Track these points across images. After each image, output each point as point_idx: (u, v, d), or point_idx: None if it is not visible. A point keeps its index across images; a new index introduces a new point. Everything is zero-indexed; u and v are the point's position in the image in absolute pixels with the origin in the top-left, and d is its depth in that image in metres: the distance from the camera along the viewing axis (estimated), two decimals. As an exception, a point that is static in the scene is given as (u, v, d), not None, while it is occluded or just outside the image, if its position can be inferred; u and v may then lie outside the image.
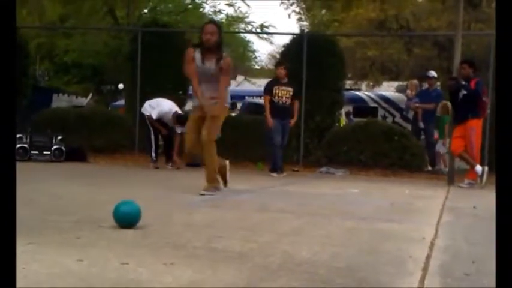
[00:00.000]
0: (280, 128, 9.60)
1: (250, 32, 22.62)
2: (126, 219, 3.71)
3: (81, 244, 3.16)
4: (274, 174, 9.53)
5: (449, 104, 9.47)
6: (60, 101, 18.70)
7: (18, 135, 10.20)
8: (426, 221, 4.92)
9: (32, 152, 10.26)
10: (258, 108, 15.83)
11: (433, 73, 12.27)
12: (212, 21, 6.87)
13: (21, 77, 13.27)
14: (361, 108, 17.50)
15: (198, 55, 6.23)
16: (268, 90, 9.68)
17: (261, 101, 17.48)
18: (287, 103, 9.60)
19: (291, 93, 9.60)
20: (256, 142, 11.63)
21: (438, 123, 11.70)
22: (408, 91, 13.18)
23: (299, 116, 11.07)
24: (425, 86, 12.70)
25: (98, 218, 4.02)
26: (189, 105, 13.66)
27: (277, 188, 7.57)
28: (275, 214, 4.88)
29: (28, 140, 10.28)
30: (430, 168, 11.45)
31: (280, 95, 9.59)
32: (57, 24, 20.51)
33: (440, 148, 11.75)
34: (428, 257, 3.26)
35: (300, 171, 10.65)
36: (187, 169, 10.18)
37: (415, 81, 13.59)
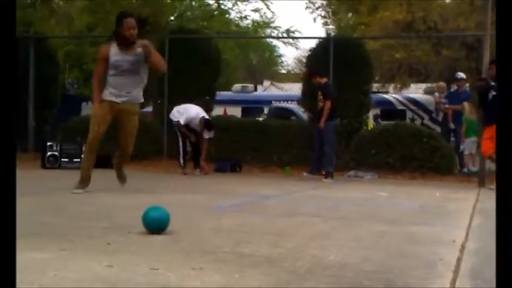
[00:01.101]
0: (316, 132, 9.84)
1: (277, 37, 22.66)
2: (155, 225, 3.73)
3: (111, 250, 3.19)
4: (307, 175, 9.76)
5: (465, 104, 9.50)
6: (89, 109, 18.88)
7: (48, 143, 10.36)
8: (456, 223, 4.87)
9: (63, 159, 10.39)
10: (284, 113, 15.84)
11: (461, 75, 12.19)
12: (130, 14, 6.60)
13: (50, 85, 13.48)
14: (389, 110, 17.36)
15: (114, 49, 6.23)
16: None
17: (288, 105, 17.58)
18: (319, 107, 9.72)
19: (321, 96, 9.68)
20: (283, 147, 11.63)
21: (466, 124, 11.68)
22: (436, 94, 13.09)
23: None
24: (454, 87, 12.62)
25: (127, 224, 4.06)
26: (216, 111, 13.75)
27: (305, 193, 7.55)
28: (303, 218, 4.87)
29: (58, 147, 10.42)
30: (460, 169, 11.36)
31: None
32: (85, 33, 20.78)
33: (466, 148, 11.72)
34: (459, 260, 3.22)
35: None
36: (215, 175, 10.22)
37: (443, 84, 13.50)
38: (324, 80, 9.90)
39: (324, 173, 9.83)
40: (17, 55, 12.27)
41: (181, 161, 10.18)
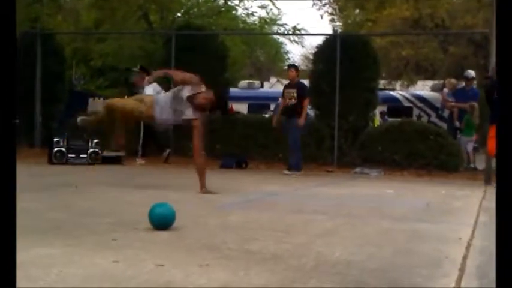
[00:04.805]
0: (286, 127, 10.07)
1: (283, 34, 22.62)
2: (161, 221, 3.74)
3: (117, 246, 3.20)
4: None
5: (475, 104, 9.47)
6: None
7: (55, 139, 10.37)
8: (463, 221, 4.85)
9: (69, 155, 10.40)
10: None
11: (472, 73, 12.12)
12: None
13: (57, 81, 13.51)
14: (395, 108, 17.32)
15: None
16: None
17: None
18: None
19: (295, 95, 10.01)
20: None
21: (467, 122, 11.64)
22: (445, 90, 13.02)
23: (333, 116, 11.15)
24: (462, 84, 12.56)
25: (133, 220, 4.06)
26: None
27: (311, 190, 7.54)
28: (309, 215, 4.87)
29: (65, 143, 10.43)
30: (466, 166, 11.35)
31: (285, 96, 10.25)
32: (92, 30, 20.80)
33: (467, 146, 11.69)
34: (465, 258, 3.22)
35: (334, 172, 10.59)
36: (221, 171, 10.22)
37: (454, 80, 13.43)
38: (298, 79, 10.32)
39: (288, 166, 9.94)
40: (24, 51, 12.29)
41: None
